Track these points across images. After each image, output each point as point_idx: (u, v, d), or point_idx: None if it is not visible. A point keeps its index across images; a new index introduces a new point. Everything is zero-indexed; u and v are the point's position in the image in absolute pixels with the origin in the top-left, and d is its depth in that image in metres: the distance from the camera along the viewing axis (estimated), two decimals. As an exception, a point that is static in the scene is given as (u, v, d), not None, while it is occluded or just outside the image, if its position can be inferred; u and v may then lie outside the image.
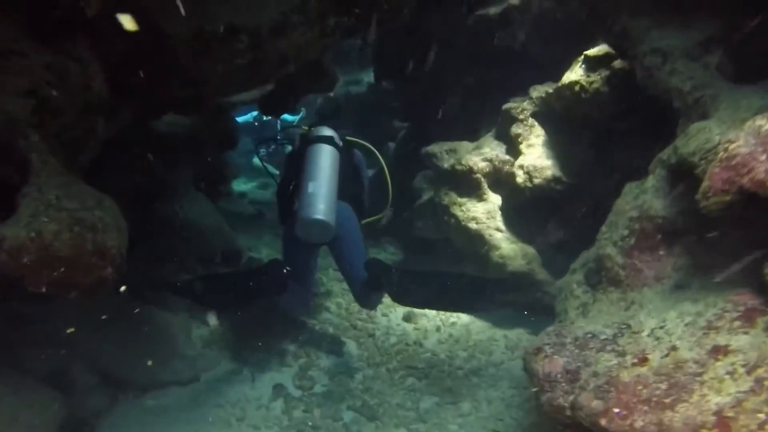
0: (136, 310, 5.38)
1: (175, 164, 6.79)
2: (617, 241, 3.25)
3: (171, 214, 7.09)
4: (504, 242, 6.13)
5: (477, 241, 6.24)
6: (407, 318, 6.33)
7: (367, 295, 4.88)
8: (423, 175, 7.43)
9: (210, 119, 5.88)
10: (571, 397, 2.45)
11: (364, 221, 5.34)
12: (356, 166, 5.34)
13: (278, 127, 11.56)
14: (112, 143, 5.37)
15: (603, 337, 2.68)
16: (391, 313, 6.48)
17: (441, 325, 6.24)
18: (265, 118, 11.85)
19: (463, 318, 6.41)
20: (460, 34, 6.80)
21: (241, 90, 4.24)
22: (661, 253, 3.02)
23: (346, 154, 5.08)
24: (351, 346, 5.83)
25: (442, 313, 6.44)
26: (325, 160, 4.71)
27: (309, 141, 4.90)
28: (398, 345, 5.84)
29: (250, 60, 3.53)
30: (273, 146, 10.44)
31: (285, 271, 4.62)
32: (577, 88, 5.53)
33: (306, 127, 5.23)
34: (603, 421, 2.22)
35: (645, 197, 3.17)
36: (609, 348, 2.59)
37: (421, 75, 7.68)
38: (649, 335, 2.53)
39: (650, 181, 3.22)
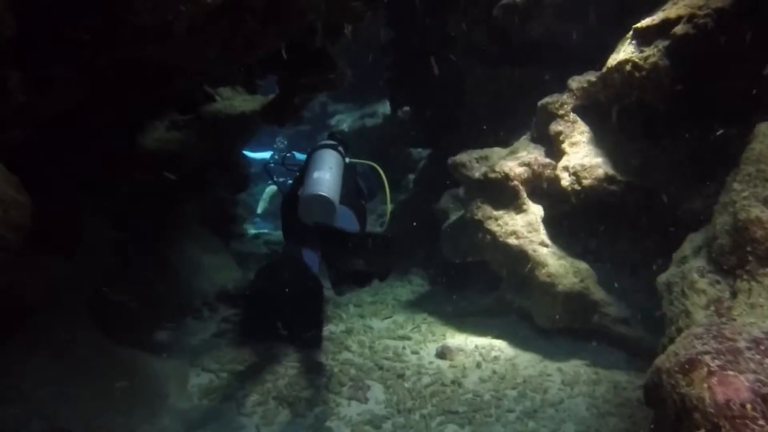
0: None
1: (171, 192, 5.76)
2: (768, 198, 2.07)
3: (170, 252, 6.05)
4: (551, 258, 4.93)
5: (518, 258, 5.05)
6: (441, 354, 5.12)
7: (341, 280, 4.37)
8: (449, 194, 6.33)
9: (205, 131, 4.81)
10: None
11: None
12: (358, 183, 5.06)
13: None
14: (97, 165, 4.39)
15: (803, 335, 1.50)
16: (421, 350, 5.28)
17: (481, 360, 5.00)
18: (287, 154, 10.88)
19: (507, 352, 5.16)
20: (482, 29, 5.76)
21: (224, 59, 3.17)
22: None
23: (349, 169, 4.85)
24: (377, 390, 4.61)
25: (480, 347, 5.21)
26: (329, 158, 4.49)
27: (313, 150, 4.71)
28: (433, 386, 4.61)
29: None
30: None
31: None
32: (628, 67, 4.44)
33: None
34: None
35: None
36: (827, 352, 1.41)
37: (439, 84, 6.66)
38: None
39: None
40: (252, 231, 10.23)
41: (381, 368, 4.92)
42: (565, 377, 4.64)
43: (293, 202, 4.47)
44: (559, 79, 5.29)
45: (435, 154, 8.11)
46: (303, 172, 4.66)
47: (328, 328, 5.79)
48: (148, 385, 4.26)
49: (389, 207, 5.12)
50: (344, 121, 11.16)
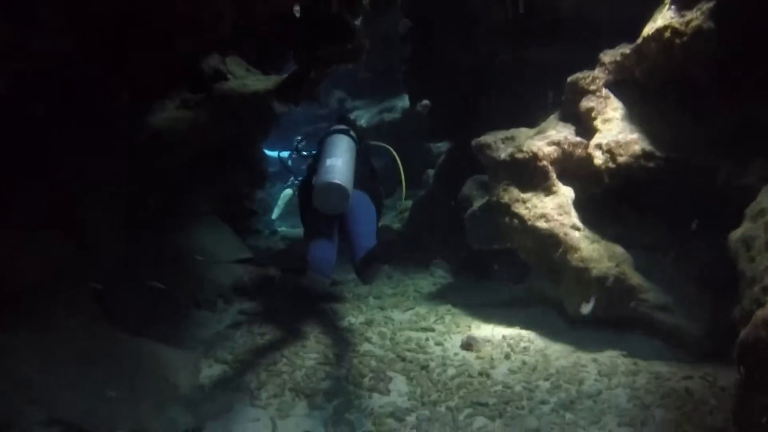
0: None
1: (185, 179, 5.49)
2: None
3: (183, 242, 5.76)
4: (584, 242, 4.56)
5: (549, 243, 4.67)
6: (467, 346, 4.75)
7: (366, 266, 4.21)
8: (473, 181, 5.97)
9: (217, 110, 4.51)
10: None
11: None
12: (374, 166, 5.16)
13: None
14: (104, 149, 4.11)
15: None
16: (446, 341, 4.92)
17: (510, 351, 4.63)
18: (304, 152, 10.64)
19: (537, 342, 4.78)
20: (506, 8, 5.40)
21: (232, 15, 2.83)
22: None
23: (363, 151, 4.93)
24: (399, 382, 4.25)
25: (508, 338, 4.83)
26: (342, 144, 4.55)
27: (326, 136, 4.81)
28: (459, 377, 4.25)
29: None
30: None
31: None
32: (667, 34, 4.07)
33: None
34: None
35: None
36: None
37: (459, 71, 6.32)
38: None
39: None
40: (267, 231, 9.93)
41: (403, 360, 4.56)
42: (602, 368, 4.24)
43: (308, 190, 4.51)
44: (588, 59, 4.93)
45: (455, 147, 7.77)
46: (316, 159, 4.74)
47: (348, 320, 5.45)
48: (157, 376, 3.95)
49: (404, 187, 5.11)
50: (362, 116, 10.85)
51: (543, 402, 3.84)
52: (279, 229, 10.13)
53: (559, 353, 4.56)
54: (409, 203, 8.82)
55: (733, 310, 2.22)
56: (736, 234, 2.37)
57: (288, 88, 4.49)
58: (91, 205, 3.89)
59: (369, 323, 5.34)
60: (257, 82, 4.76)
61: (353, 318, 5.50)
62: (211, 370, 4.43)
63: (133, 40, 2.82)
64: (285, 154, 11.43)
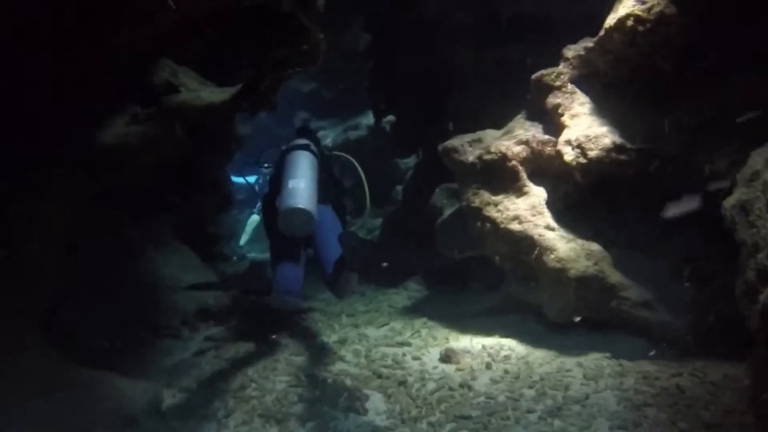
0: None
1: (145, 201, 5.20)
2: None
3: (144, 267, 5.44)
4: (559, 242, 4.36)
5: (523, 245, 4.47)
6: (445, 358, 4.50)
7: (336, 277, 4.08)
8: (441, 190, 5.78)
9: (170, 124, 4.24)
10: None
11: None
12: (337, 178, 5.15)
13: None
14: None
15: None
16: (423, 355, 4.65)
17: (491, 361, 4.39)
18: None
19: (518, 350, 4.55)
20: (468, 9, 5.28)
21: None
22: None
23: (325, 163, 4.91)
24: (376, 400, 3.98)
25: (488, 347, 4.60)
26: (302, 162, 4.50)
27: (286, 152, 4.74)
28: (439, 391, 3.99)
29: None
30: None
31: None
32: (630, 23, 3.95)
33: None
34: None
35: None
36: None
37: (422, 78, 6.16)
38: None
39: None
40: (236, 258, 9.60)
41: (380, 376, 4.29)
42: (587, 372, 4.03)
43: (272, 210, 4.50)
44: (551, 58, 4.81)
45: (423, 160, 7.60)
46: (278, 175, 4.64)
47: (320, 339, 5.17)
48: (111, 408, 3.60)
49: (368, 197, 5.11)
50: (327, 136, 10.67)
51: (529, 411, 3.60)
52: (248, 255, 9.81)
53: (541, 359, 4.33)
54: (379, 220, 8.63)
55: (735, 282, 2.03)
56: (730, 201, 2.18)
57: (241, 99, 4.23)
58: (31, 224, 3.57)
59: (342, 341, 5.06)
60: (212, 94, 4.48)
61: (326, 337, 5.22)
62: (174, 400, 4.10)
63: (56, 30, 2.55)
64: (252, 178, 11.20)
